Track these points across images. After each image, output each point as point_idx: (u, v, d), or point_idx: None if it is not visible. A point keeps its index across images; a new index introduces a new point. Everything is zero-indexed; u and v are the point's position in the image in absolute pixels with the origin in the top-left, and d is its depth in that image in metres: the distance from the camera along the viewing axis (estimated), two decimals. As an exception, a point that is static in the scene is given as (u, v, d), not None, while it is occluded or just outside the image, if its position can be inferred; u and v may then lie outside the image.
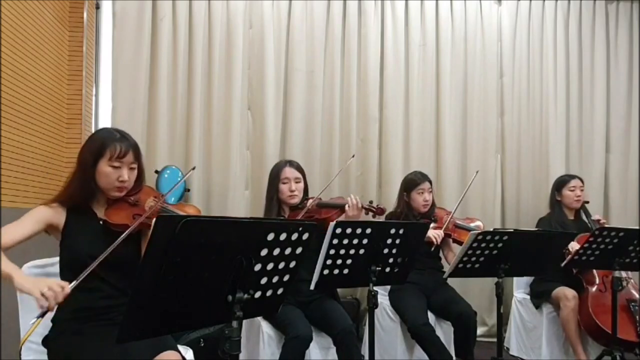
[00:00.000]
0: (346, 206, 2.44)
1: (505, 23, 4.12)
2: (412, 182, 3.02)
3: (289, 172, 2.59)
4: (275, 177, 2.61)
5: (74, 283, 1.46)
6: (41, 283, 1.40)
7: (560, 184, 3.39)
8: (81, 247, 1.65)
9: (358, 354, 2.31)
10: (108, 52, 3.62)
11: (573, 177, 3.39)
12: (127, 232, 1.58)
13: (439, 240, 2.75)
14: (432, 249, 2.77)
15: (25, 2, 2.83)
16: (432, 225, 2.89)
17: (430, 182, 3.04)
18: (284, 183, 2.57)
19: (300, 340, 2.20)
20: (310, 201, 2.53)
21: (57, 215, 1.70)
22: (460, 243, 2.86)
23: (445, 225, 2.86)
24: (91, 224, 1.72)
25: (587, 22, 4.18)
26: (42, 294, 1.36)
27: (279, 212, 2.61)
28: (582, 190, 3.34)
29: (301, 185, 2.62)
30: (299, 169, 2.64)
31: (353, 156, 2.90)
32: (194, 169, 1.99)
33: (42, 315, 1.39)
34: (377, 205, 2.52)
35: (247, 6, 3.76)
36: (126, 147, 1.70)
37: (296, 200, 2.59)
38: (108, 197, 1.75)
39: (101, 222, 1.73)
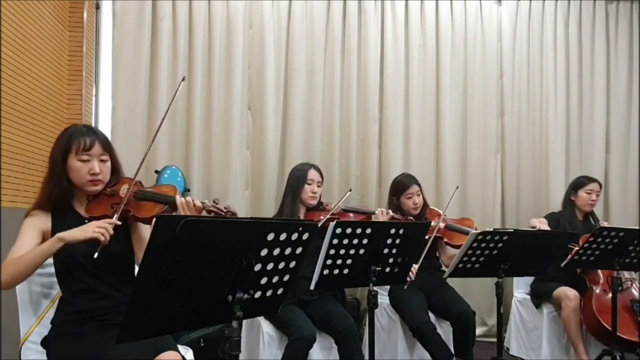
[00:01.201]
0: (376, 213, 2.66)
1: (505, 23, 4.12)
2: (399, 186, 3.00)
3: (315, 174, 2.74)
4: (300, 177, 2.72)
5: (115, 217, 1.61)
6: (88, 227, 1.56)
7: (578, 184, 3.35)
8: (73, 249, 1.61)
9: (360, 354, 2.32)
10: (108, 52, 3.62)
11: (592, 180, 3.34)
12: (114, 217, 1.63)
13: (413, 278, 2.46)
14: (405, 287, 2.52)
15: (25, 2, 2.83)
16: None
17: (419, 184, 3.01)
18: (308, 184, 2.70)
19: (304, 341, 2.21)
20: (333, 204, 2.68)
21: (44, 222, 1.68)
22: (451, 245, 2.85)
23: (435, 229, 2.79)
24: (77, 224, 1.69)
25: (587, 22, 4.18)
26: (98, 232, 1.53)
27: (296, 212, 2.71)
28: (597, 195, 3.31)
29: (321, 189, 2.77)
30: (321, 174, 2.80)
31: (350, 190, 2.91)
32: (183, 79, 1.99)
33: (101, 250, 1.56)
34: (405, 217, 2.78)
35: (247, 6, 3.75)
36: (92, 139, 1.69)
37: (315, 202, 2.73)
38: (86, 193, 1.74)
39: (86, 221, 1.71)
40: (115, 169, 1.79)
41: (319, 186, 2.75)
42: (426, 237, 2.73)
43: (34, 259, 1.54)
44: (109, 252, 1.61)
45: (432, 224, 2.86)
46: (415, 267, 2.57)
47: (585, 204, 3.31)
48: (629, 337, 2.76)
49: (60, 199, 1.70)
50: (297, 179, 2.74)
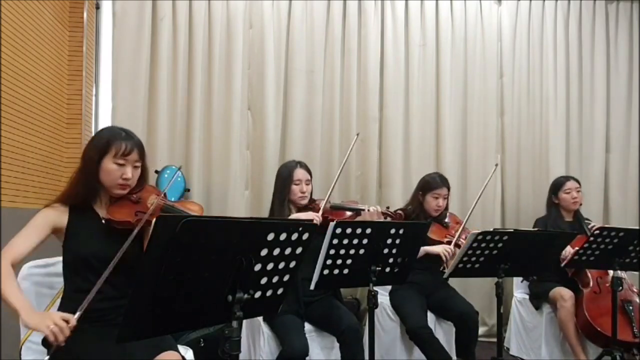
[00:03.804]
0: (365, 211, 2.51)
1: (505, 23, 4.12)
2: (429, 185, 2.94)
3: (301, 173, 2.62)
4: (286, 177, 2.61)
5: (78, 313, 1.47)
6: (47, 319, 1.42)
7: (557, 186, 3.35)
8: (85, 248, 1.64)
9: (361, 354, 2.32)
10: (108, 52, 3.62)
11: (568, 178, 3.35)
12: (134, 231, 1.58)
13: (449, 257, 2.62)
14: (442, 268, 2.63)
15: (25, 2, 2.83)
16: (443, 232, 2.83)
17: (449, 189, 2.96)
18: (295, 184, 2.59)
19: (294, 357, 2.19)
20: (322, 202, 2.55)
21: (61, 216, 1.69)
22: None
23: (457, 236, 2.76)
24: (94, 224, 1.72)
25: (587, 22, 4.18)
26: (50, 330, 1.39)
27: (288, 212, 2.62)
28: (578, 192, 3.30)
29: (310, 186, 2.66)
30: (308, 170, 2.67)
31: (358, 134, 2.80)
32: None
33: (54, 351, 1.42)
34: (395, 211, 2.65)
35: (247, 6, 3.76)
36: (131, 145, 1.72)
37: (306, 202, 2.62)
38: (111, 195, 1.75)
39: (104, 222, 1.72)
40: (143, 175, 1.80)
41: (307, 184, 2.61)
42: (444, 240, 2.77)
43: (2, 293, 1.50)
44: (122, 256, 1.61)
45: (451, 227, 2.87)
46: (451, 248, 2.66)
47: (569, 204, 3.30)
48: (623, 337, 2.74)
49: (85, 197, 1.72)
50: (283, 179, 2.62)
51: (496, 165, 2.94)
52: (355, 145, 3.82)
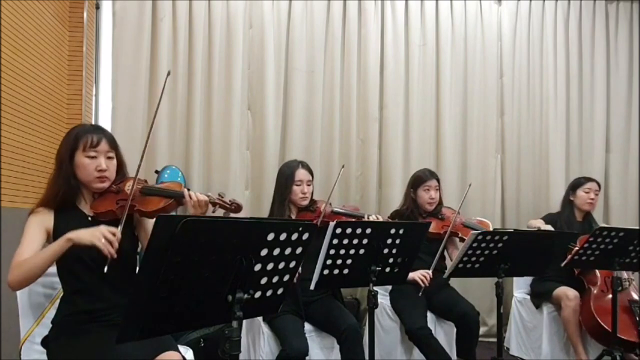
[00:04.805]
0: (365, 219, 2.51)
1: (505, 23, 4.12)
2: (419, 179, 2.97)
3: (303, 174, 2.61)
4: (288, 178, 2.59)
5: (120, 227, 1.59)
6: (96, 232, 1.52)
7: (577, 184, 3.36)
8: (76, 247, 1.63)
9: (361, 354, 2.32)
10: (108, 52, 3.62)
11: (590, 179, 3.36)
12: (122, 219, 1.63)
13: (426, 283, 2.63)
14: (420, 293, 2.65)
15: (25, 2, 2.83)
16: (440, 224, 2.85)
17: (438, 180, 2.99)
18: (297, 185, 2.58)
19: (294, 357, 2.19)
20: (323, 205, 2.56)
21: (47, 220, 1.69)
22: None
23: (452, 224, 2.79)
24: (80, 222, 1.70)
25: (587, 22, 4.18)
26: (103, 244, 1.50)
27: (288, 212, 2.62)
28: (596, 194, 3.32)
29: (311, 187, 2.65)
30: (310, 171, 2.66)
31: (343, 166, 2.84)
32: (169, 73, 1.96)
33: (109, 264, 1.56)
34: (397, 221, 2.71)
35: (247, 6, 3.76)
36: (99, 136, 1.71)
37: (307, 202, 2.62)
38: (92, 190, 1.75)
39: (90, 219, 1.72)
40: (120, 167, 1.80)
41: (308, 185, 2.61)
42: (442, 231, 2.78)
43: (44, 260, 1.54)
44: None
45: (448, 217, 2.89)
46: (429, 273, 2.64)
47: (584, 203, 3.31)
48: (628, 337, 2.76)
49: (66, 197, 1.71)
50: (284, 179, 2.60)
51: (469, 184, 3.00)
52: (354, 145, 3.88)
